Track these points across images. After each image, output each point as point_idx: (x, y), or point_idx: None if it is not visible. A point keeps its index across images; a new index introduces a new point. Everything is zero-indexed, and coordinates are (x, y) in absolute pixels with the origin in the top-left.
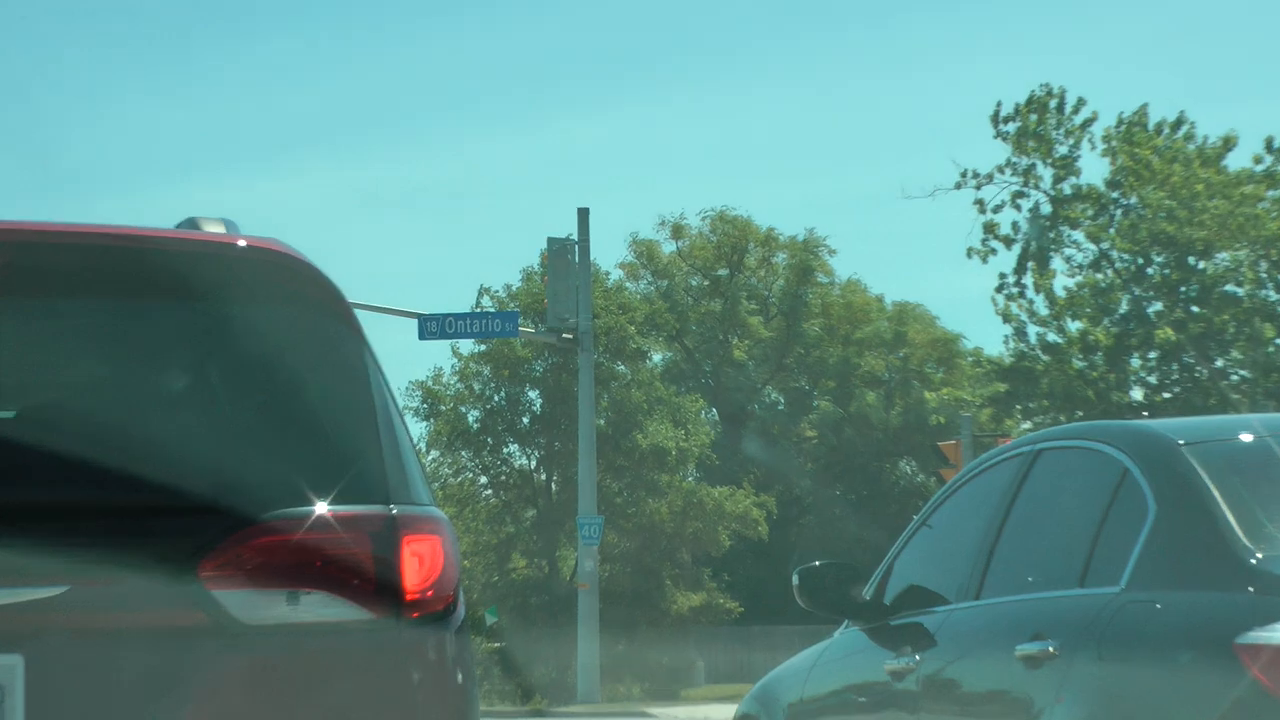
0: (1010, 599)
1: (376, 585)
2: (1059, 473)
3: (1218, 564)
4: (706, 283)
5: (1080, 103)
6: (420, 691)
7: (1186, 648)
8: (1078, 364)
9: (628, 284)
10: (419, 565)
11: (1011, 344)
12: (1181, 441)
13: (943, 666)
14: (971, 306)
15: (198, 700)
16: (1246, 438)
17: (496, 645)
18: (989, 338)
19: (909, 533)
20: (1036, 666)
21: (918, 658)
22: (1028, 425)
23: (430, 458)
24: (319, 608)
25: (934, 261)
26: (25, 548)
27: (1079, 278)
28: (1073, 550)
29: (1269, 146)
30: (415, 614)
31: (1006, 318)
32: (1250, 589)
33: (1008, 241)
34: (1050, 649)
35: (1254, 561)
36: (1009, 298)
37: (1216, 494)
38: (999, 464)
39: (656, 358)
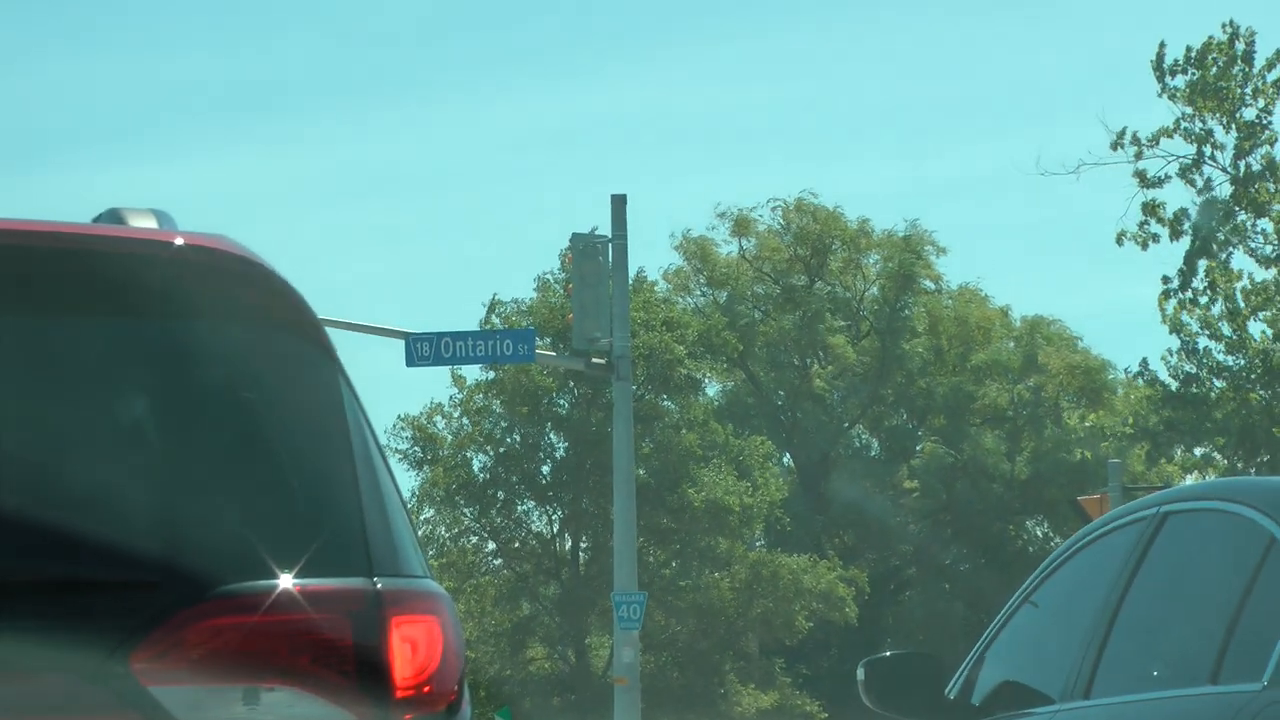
0: (1128, 699)
1: (358, 679)
2: (1189, 541)
3: None
4: (778, 292)
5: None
6: None
7: None
8: (1258, 395)
9: (675, 297)
10: (412, 653)
11: (1175, 362)
12: None
13: None
14: (1124, 323)
15: None
16: None
17: None
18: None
19: (1005, 615)
20: None
21: None
22: (1193, 473)
23: (422, 517)
24: (284, 708)
25: (1076, 265)
26: None
27: (1266, 275)
28: (1205, 638)
29: None
30: (408, 715)
31: (1176, 328)
32: None
33: (1174, 227)
34: None
35: None
36: (1180, 305)
37: None
38: (1115, 530)
39: (713, 389)
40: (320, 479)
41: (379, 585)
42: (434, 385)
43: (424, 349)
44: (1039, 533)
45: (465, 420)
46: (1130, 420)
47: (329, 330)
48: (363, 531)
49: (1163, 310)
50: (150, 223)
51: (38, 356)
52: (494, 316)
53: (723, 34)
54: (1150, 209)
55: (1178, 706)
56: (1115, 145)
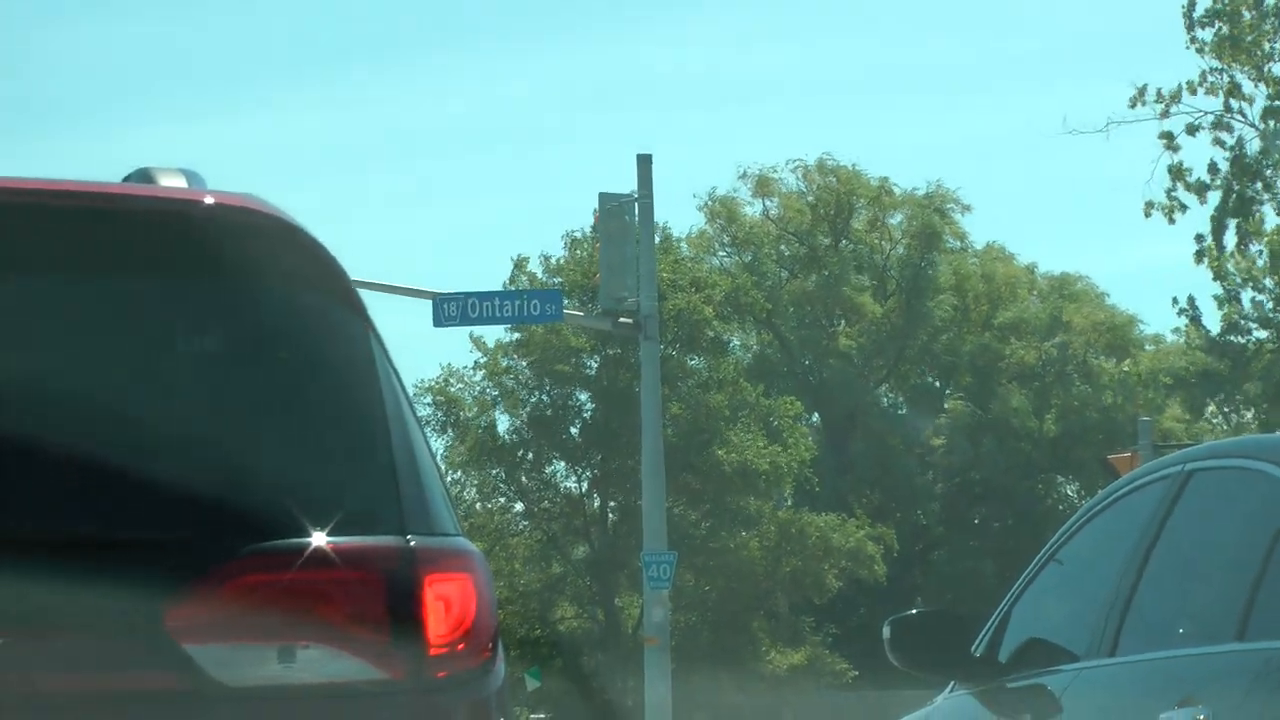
0: (1152, 656)
1: (392, 637)
2: (1214, 499)
3: None
4: (803, 251)
5: None
6: None
7: None
8: None
9: (701, 256)
10: (445, 611)
11: (1226, 310)
12: None
13: None
14: (1152, 281)
15: None
16: None
17: (540, 718)
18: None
19: (1030, 573)
20: None
21: None
22: (1225, 428)
23: (450, 480)
24: (319, 666)
25: (1103, 221)
26: None
27: None
28: (1230, 596)
29: None
30: (442, 673)
31: (1219, 275)
32: None
33: (1202, 192)
34: (1200, 718)
35: None
36: (1213, 257)
37: None
38: (1140, 488)
39: (739, 349)
40: (353, 438)
41: (412, 543)
42: (465, 346)
43: (451, 309)
44: (1069, 491)
45: (488, 383)
46: (1163, 379)
47: (358, 290)
48: (395, 490)
49: (1210, 264)
50: (180, 182)
51: (68, 316)
52: (521, 275)
53: None
54: (1176, 173)
55: (1203, 664)
56: (1135, 102)
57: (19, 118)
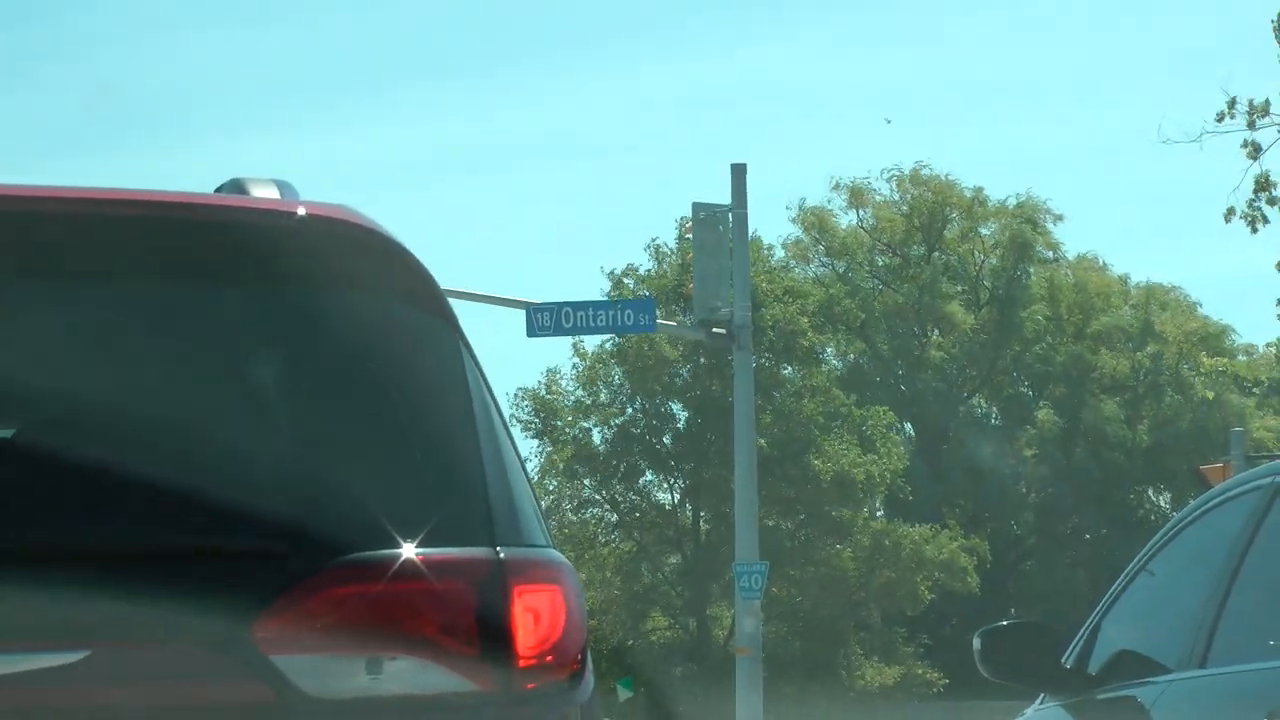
0: (1243, 667)
1: (481, 648)
2: None
3: None
4: (897, 261)
5: None
6: None
7: None
8: None
9: (793, 264)
10: (534, 623)
11: None
12: None
13: None
14: (1245, 288)
15: None
16: None
17: None
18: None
19: (1121, 584)
20: None
21: None
22: None
23: (548, 489)
24: (408, 678)
25: (1195, 231)
26: (31, 603)
27: None
28: None
29: None
30: (531, 684)
31: None
32: None
33: None
34: None
35: None
36: None
37: None
38: (1230, 501)
39: (833, 359)
40: (443, 448)
41: (502, 554)
42: (555, 355)
43: (544, 319)
44: (1161, 501)
45: (582, 391)
46: (1252, 394)
47: (450, 300)
48: (486, 501)
49: None
50: (272, 193)
51: (162, 326)
52: (621, 286)
53: (837, 3)
54: (1262, 184)
55: None
56: (1222, 116)
57: (110, 131)
